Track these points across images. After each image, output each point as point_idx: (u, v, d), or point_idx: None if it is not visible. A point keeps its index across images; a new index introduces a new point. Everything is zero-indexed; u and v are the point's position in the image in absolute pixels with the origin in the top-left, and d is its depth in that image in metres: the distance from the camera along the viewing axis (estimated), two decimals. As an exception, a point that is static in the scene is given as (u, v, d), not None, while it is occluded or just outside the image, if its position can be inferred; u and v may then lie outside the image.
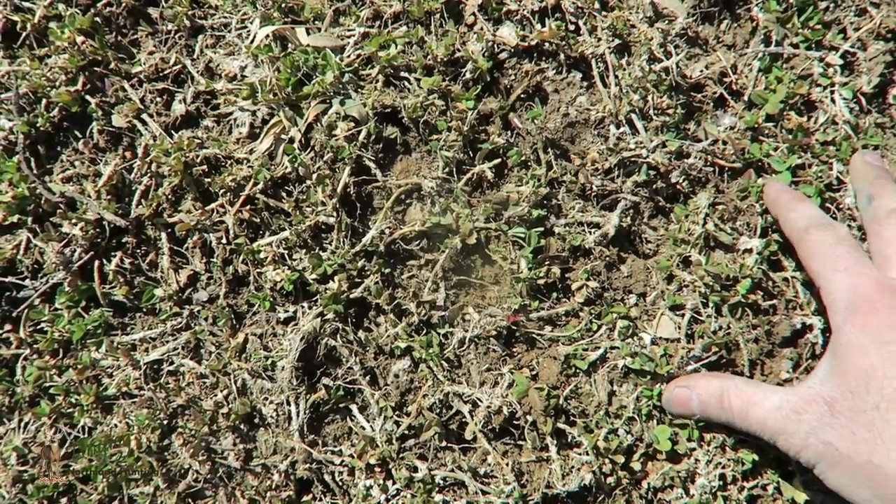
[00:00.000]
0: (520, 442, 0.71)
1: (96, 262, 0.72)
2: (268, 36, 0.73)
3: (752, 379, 0.70)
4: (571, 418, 0.72)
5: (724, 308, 0.74)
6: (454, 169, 0.73)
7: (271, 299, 0.72)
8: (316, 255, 0.71)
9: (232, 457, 0.70)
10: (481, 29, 0.75)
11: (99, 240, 0.73)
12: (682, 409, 0.68)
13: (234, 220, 0.72)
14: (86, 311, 0.73)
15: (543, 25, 0.76)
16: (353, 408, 0.72)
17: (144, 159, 0.73)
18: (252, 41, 0.74)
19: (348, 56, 0.74)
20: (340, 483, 0.71)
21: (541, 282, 0.73)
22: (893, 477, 0.53)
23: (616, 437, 0.70)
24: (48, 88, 0.73)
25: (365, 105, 0.72)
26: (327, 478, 0.71)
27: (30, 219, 0.73)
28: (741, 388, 0.63)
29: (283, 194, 0.73)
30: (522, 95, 0.76)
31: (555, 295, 0.75)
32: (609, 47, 0.75)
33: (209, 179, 0.72)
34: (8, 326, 0.73)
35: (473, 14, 0.76)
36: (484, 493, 0.69)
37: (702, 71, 0.77)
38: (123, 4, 0.75)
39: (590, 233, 0.74)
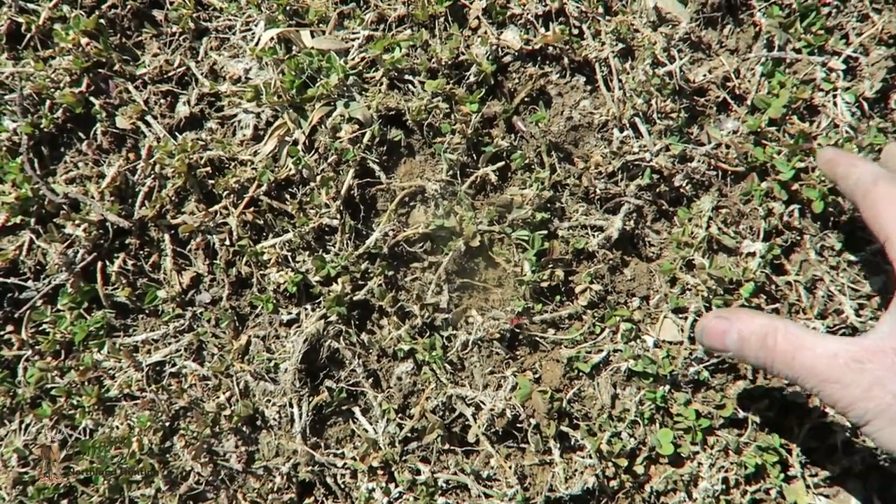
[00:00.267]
0: (523, 445, 0.71)
1: (99, 264, 0.72)
2: (272, 38, 0.73)
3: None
4: (574, 421, 0.72)
5: (728, 312, 0.73)
6: (458, 172, 0.73)
7: (274, 301, 0.72)
8: (319, 257, 0.71)
9: (234, 459, 0.70)
10: (485, 32, 0.75)
11: (102, 241, 0.73)
12: (715, 342, 0.61)
13: (238, 222, 0.72)
14: (88, 312, 0.73)
15: (547, 29, 0.76)
16: (356, 410, 0.72)
17: (148, 161, 0.73)
18: (256, 43, 0.74)
19: (353, 59, 0.74)
20: (343, 486, 0.70)
21: (544, 285, 0.73)
22: None
23: (619, 441, 0.70)
24: (52, 90, 0.73)
25: (369, 108, 0.72)
26: (329, 480, 0.70)
27: (33, 220, 0.73)
28: (791, 329, 0.57)
29: (287, 196, 0.73)
30: (526, 99, 0.76)
31: (558, 298, 0.74)
32: (613, 51, 0.76)
33: (213, 181, 0.72)
34: (10, 327, 0.73)
35: (477, 18, 0.76)
36: (487, 496, 0.69)
37: (705, 75, 0.78)
38: (128, 6, 0.75)
39: (593, 236, 0.74)
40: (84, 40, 0.73)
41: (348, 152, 0.71)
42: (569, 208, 0.75)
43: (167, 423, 0.71)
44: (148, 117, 0.74)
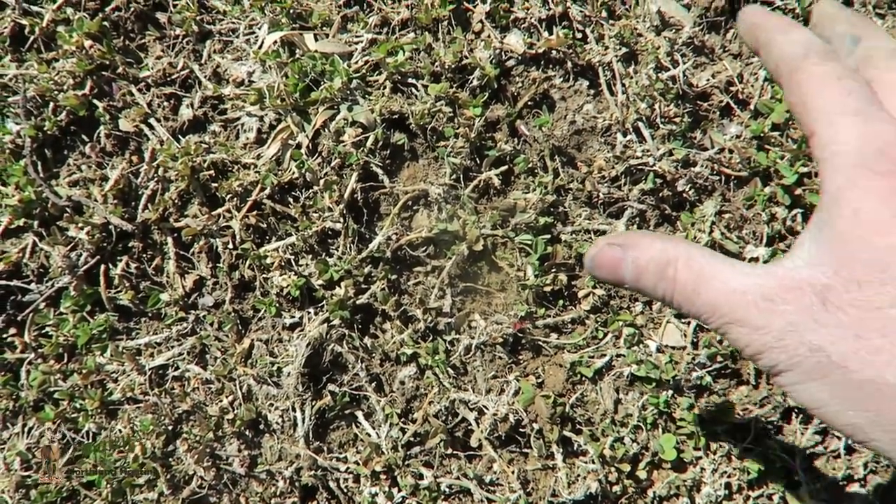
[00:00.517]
0: (525, 450, 0.71)
1: (102, 267, 0.72)
2: (276, 41, 0.73)
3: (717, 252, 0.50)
4: (577, 426, 0.72)
5: (731, 316, 0.73)
6: (461, 175, 0.73)
7: (277, 305, 0.72)
8: (322, 260, 0.71)
9: (237, 463, 0.70)
10: (489, 36, 0.75)
11: (105, 244, 0.73)
12: (608, 273, 0.50)
13: (241, 226, 0.72)
14: (91, 315, 0.73)
15: (551, 33, 0.76)
16: (359, 414, 0.72)
17: (151, 164, 0.73)
18: (260, 47, 0.74)
19: (356, 62, 0.74)
20: (345, 490, 0.70)
21: (547, 289, 0.73)
22: None
23: (622, 446, 0.70)
24: (56, 92, 0.73)
25: (372, 111, 0.72)
26: (332, 485, 0.70)
27: (36, 222, 0.73)
28: (695, 256, 0.47)
29: (290, 200, 0.73)
30: (530, 103, 0.76)
31: (561, 302, 0.74)
32: (616, 56, 0.76)
33: (216, 184, 0.72)
34: (13, 330, 0.73)
35: (481, 21, 0.76)
36: (489, 500, 0.69)
37: (708, 80, 0.78)
38: (132, 9, 0.75)
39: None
40: (88, 43, 0.73)
41: (351, 156, 0.71)
42: (572, 212, 0.75)
43: (170, 427, 0.71)
44: (151, 120, 0.74)
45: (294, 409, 0.70)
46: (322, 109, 0.72)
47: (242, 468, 0.70)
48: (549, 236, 0.74)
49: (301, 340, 0.70)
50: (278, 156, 0.73)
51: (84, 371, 0.70)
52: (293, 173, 0.71)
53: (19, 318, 0.72)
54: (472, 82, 0.74)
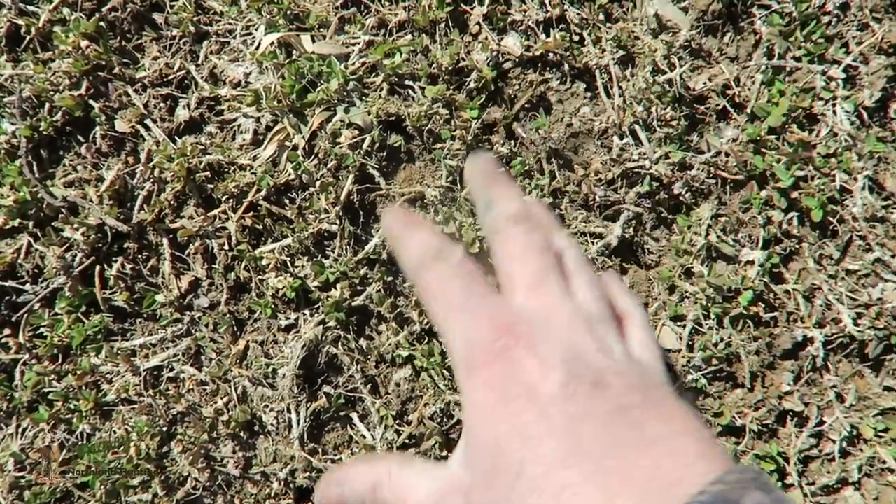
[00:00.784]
0: (521, 452, 0.71)
1: (97, 268, 0.72)
2: (273, 43, 0.73)
3: (413, 457, 0.53)
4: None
5: (726, 320, 0.74)
6: (458, 178, 0.73)
7: (273, 306, 0.71)
8: (318, 262, 0.71)
9: (231, 464, 0.70)
10: (486, 38, 0.75)
11: (100, 245, 0.72)
12: None
13: (237, 227, 0.71)
14: (86, 316, 0.72)
15: (548, 36, 0.76)
16: (354, 416, 0.72)
17: (147, 164, 0.72)
18: (257, 48, 0.74)
19: (353, 64, 0.74)
20: (340, 492, 0.70)
21: (543, 291, 0.73)
22: None
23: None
24: (51, 92, 0.73)
25: (369, 113, 0.72)
26: (327, 486, 0.70)
27: (31, 223, 0.73)
28: (395, 472, 0.49)
29: (287, 201, 0.72)
30: (526, 105, 0.76)
31: (557, 305, 0.74)
32: (613, 58, 0.76)
33: (212, 185, 0.72)
34: (7, 331, 0.73)
35: (478, 24, 0.76)
36: (484, 503, 0.68)
37: (705, 83, 0.78)
38: (128, 9, 0.75)
39: (592, 243, 0.75)
40: (84, 43, 0.73)
41: (348, 157, 0.71)
42: (568, 215, 0.75)
43: (164, 428, 0.71)
44: (147, 121, 0.74)
45: (289, 411, 0.70)
46: (319, 111, 0.72)
47: (237, 469, 0.70)
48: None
49: (296, 342, 0.70)
50: (275, 157, 0.72)
51: (78, 372, 0.70)
52: (289, 175, 0.71)
53: (14, 319, 0.72)
54: (469, 84, 0.74)
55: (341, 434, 0.72)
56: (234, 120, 0.74)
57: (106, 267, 0.73)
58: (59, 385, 0.71)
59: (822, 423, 0.75)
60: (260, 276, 0.72)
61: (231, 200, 0.72)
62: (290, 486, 0.70)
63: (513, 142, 0.75)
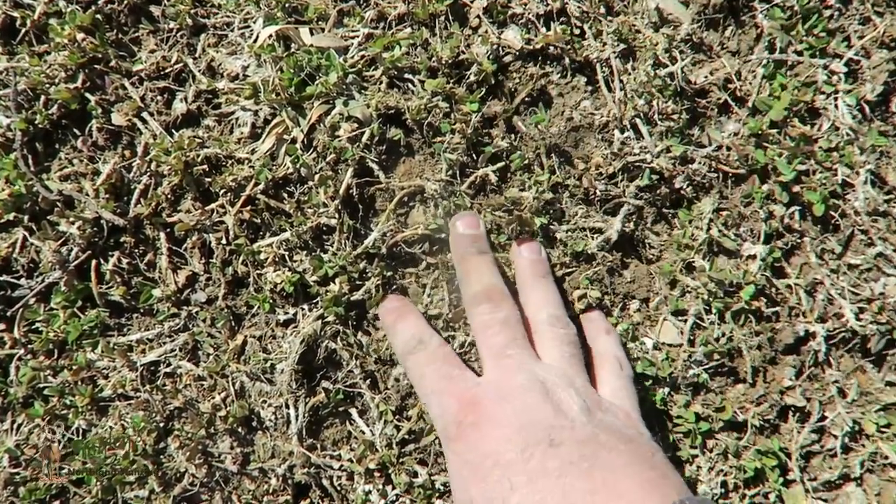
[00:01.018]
0: (521, 448, 0.70)
1: (93, 262, 0.71)
2: (271, 35, 0.72)
3: None
4: (573, 424, 0.71)
5: (727, 314, 0.73)
6: (457, 172, 0.72)
7: (271, 301, 0.71)
8: (317, 256, 0.70)
9: (229, 460, 0.69)
10: (486, 32, 0.74)
11: (96, 239, 0.72)
12: None
13: (235, 221, 0.71)
14: (82, 311, 0.72)
15: (548, 29, 0.76)
16: (353, 412, 0.71)
17: (144, 158, 0.72)
18: (255, 40, 0.73)
19: (352, 57, 0.73)
20: (339, 488, 0.70)
21: (543, 286, 0.73)
22: None
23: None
24: (47, 85, 0.72)
25: (368, 106, 0.71)
26: (325, 482, 0.70)
27: (26, 217, 0.72)
28: None
29: (285, 195, 0.72)
30: (527, 99, 0.75)
31: (557, 299, 0.74)
32: (614, 52, 0.75)
33: (209, 179, 0.71)
34: (2, 326, 0.72)
35: (478, 17, 0.75)
36: (484, 499, 0.68)
37: (706, 77, 0.77)
38: (125, 2, 0.74)
39: (592, 238, 0.74)
40: (80, 36, 0.72)
41: (347, 151, 0.70)
42: (568, 210, 0.75)
43: (161, 424, 0.70)
44: (144, 114, 0.73)
45: (287, 406, 0.69)
46: (317, 104, 0.71)
47: (235, 465, 0.69)
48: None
49: (295, 337, 0.69)
50: (273, 151, 0.72)
51: (74, 367, 0.70)
52: (288, 168, 0.71)
53: (9, 314, 0.71)
54: (468, 78, 0.74)
55: (340, 430, 0.71)
56: (232, 113, 0.73)
57: (102, 261, 0.72)
58: (54, 380, 0.70)
59: (823, 418, 0.74)
60: (258, 271, 0.71)
61: (229, 194, 0.71)
62: (288, 482, 0.69)
63: (513, 135, 0.75)
